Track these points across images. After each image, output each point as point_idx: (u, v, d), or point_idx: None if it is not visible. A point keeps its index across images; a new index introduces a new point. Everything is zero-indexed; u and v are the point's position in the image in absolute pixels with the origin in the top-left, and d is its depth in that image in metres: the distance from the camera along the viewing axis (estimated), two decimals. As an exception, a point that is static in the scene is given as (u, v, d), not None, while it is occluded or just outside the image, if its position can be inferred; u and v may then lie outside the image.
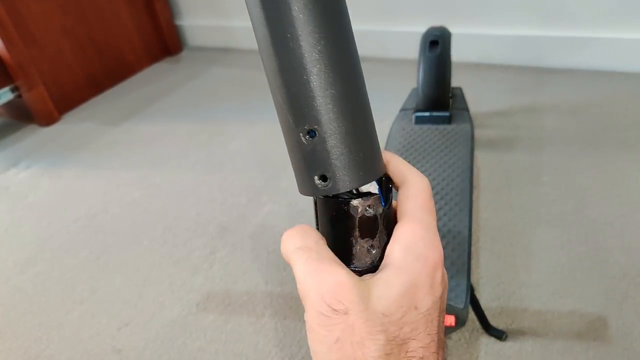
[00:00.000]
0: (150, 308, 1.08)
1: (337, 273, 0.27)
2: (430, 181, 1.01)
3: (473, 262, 1.02)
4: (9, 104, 1.96)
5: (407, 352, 0.27)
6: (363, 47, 2.08)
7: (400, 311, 0.26)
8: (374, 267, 0.31)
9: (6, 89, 1.88)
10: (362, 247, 0.31)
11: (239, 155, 1.53)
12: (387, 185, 0.32)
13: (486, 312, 0.90)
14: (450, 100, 1.24)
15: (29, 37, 1.87)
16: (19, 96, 1.91)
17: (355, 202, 0.30)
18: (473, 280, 0.98)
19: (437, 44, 1.17)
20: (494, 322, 0.88)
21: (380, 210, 0.30)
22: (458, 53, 1.78)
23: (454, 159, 1.05)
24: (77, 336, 1.04)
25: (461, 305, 0.71)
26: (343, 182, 0.29)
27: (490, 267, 1.00)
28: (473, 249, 1.04)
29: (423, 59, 1.18)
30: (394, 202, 0.33)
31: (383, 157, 0.32)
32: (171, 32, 2.39)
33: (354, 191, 0.31)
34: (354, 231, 0.30)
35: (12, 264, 1.27)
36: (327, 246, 0.30)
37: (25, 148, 1.82)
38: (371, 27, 1.95)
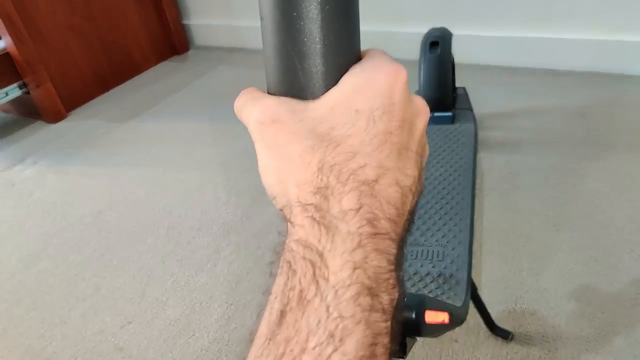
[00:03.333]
0: (154, 306, 1.07)
1: (265, 98, 0.28)
2: (432, 180, 1.00)
3: (478, 265, 1.01)
4: (17, 100, 1.97)
5: (340, 146, 0.25)
6: (365, 48, 2.08)
7: (332, 113, 0.26)
8: None
9: (14, 85, 1.89)
10: None
11: (244, 155, 1.52)
12: None
13: (492, 316, 0.89)
14: (454, 100, 1.23)
15: (38, 34, 1.88)
16: (27, 93, 1.92)
17: None
18: (478, 282, 0.97)
19: (437, 45, 1.16)
20: (499, 324, 0.87)
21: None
22: (464, 54, 1.77)
23: (456, 158, 1.04)
24: (80, 333, 1.04)
25: (459, 304, 0.70)
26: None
27: (496, 270, 0.99)
28: (478, 252, 1.03)
29: (424, 60, 1.17)
30: None
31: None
32: (178, 31, 2.39)
33: None
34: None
35: (16, 260, 1.27)
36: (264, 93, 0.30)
37: (32, 144, 1.82)
38: (373, 28, 1.94)
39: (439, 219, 0.92)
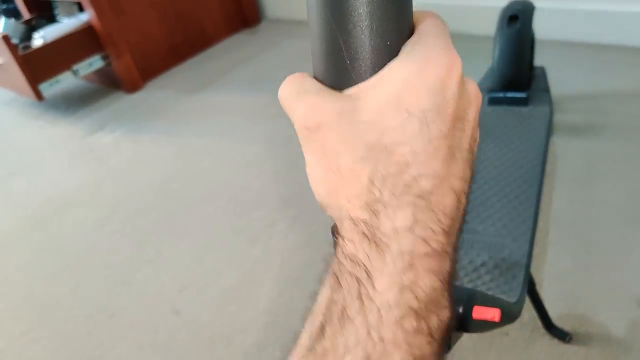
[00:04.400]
0: (209, 274, 1.11)
1: (310, 96, 0.26)
2: (498, 166, 0.95)
3: (540, 257, 0.95)
4: (99, 71, 2.08)
5: (392, 156, 0.23)
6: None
7: (382, 117, 0.24)
8: None
9: (97, 56, 1.99)
10: None
11: (307, 130, 1.52)
12: None
13: (551, 312, 0.84)
14: (530, 81, 1.15)
15: (119, 8, 1.96)
16: (109, 64, 2.02)
17: None
18: (538, 276, 0.91)
19: (516, 19, 1.08)
20: (558, 323, 0.82)
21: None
22: (547, 30, 1.64)
23: (527, 143, 0.97)
24: (142, 294, 1.10)
25: (513, 299, 0.66)
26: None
27: (560, 264, 0.93)
28: (542, 243, 0.97)
29: (500, 35, 1.09)
30: None
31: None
32: (250, 3, 2.41)
33: None
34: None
35: (91, 221, 1.36)
36: (311, 78, 0.28)
37: (111, 113, 1.93)
38: (449, 1, 1.85)
39: (501, 208, 0.87)
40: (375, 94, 0.24)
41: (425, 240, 0.23)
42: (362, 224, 0.23)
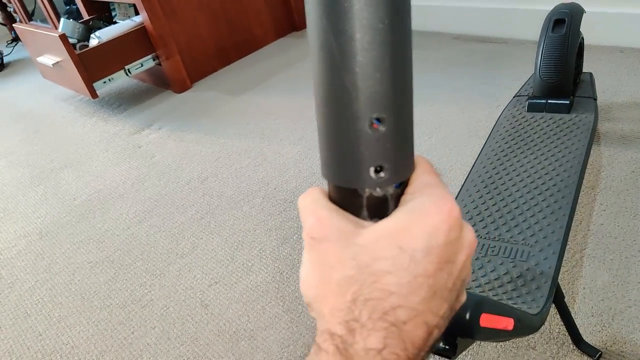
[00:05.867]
0: (239, 270, 1.13)
1: (320, 211, 0.29)
2: (532, 173, 0.92)
3: (576, 270, 0.90)
4: (150, 71, 2.17)
5: (378, 283, 0.26)
6: (484, 27, 1.93)
7: (376, 246, 0.26)
8: None
9: (149, 57, 2.08)
10: None
11: (344, 132, 1.52)
12: None
13: (583, 328, 0.80)
14: (576, 87, 1.10)
15: (171, 10, 2.03)
16: (159, 64, 2.11)
17: None
18: (571, 289, 0.87)
19: (563, 23, 1.04)
20: (590, 339, 0.78)
21: (391, 190, 0.29)
22: (598, 35, 1.57)
23: (565, 151, 0.93)
24: (175, 286, 1.14)
25: (534, 311, 0.64)
26: (396, 174, 0.28)
27: (597, 278, 0.88)
28: (578, 255, 0.93)
29: (544, 40, 1.06)
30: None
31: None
32: (299, 8, 2.44)
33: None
34: (362, 210, 0.29)
35: (133, 214, 1.42)
36: (325, 198, 0.31)
37: (159, 112, 2.00)
38: (495, 5, 1.80)
39: (531, 216, 0.84)
40: (375, 226, 0.27)
41: None
42: (337, 338, 0.26)
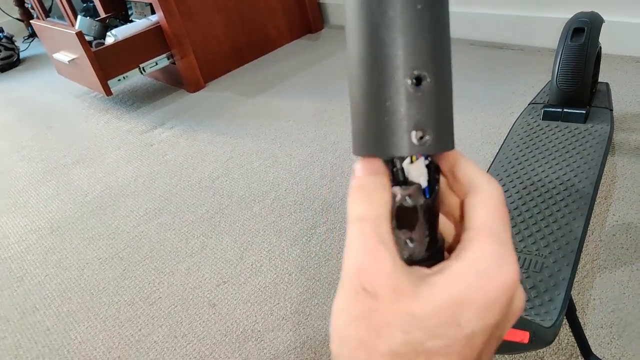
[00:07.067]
0: (248, 271, 1.13)
1: (381, 255, 0.24)
2: (547, 183, 0.91)
3: (587, 281, 0.89)
4: (164, 70, 2.18)
5: None
6: (500, 33, 1.91)
7: (434, 321, 0.23)
8: (423, 260, 0.28)
9: (163, 55, 2.09)
10: (398, 238, 0.28)
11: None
12: (435, 175, 0.29)
13: (592, 340, 0.79)
14: (592, 97, 1.09)
15: (187, 10, 2.05)
16: (173, 63, 2.12)
17: (393, 189, 0.27)
18: (582, 300, 0.86)
19: (582, 32, 1.03)
20: (599, 352, 0.77)
21: (422, 201, 0.27)
22: (612, 44, 1.55)
23: (581, 162, 0.92)
24: (183, 285, 1.14)
25: (548, 324, 0.63)
26: (439, 141, 0.25)
27: (608, 290, 0.87)
28: (590, 266, 0.92)
29: (562, 48, 1.05)
30: (450, 199, 0.30)
31: (451, 156, 0.28)
32: (314, 9, 2.44)
33: (400, 177, 0.28)
34: (390, 220, 0.27)
35: (143, 211, 1.43)
36: (387, 222, 0.26)
37: (172, 111, 2.01)
38: (512, 12, 1.79)
39: (545, 227, 0.83)
40: (435, 294, 0.24)
41: None
42: None
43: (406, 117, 0.25)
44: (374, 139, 0.26)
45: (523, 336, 0.54)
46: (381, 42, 0.25)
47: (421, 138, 0.25)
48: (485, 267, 0.24)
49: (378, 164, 0.27)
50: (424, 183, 0.28)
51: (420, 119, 0.25)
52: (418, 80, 0.25)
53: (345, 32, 0.27)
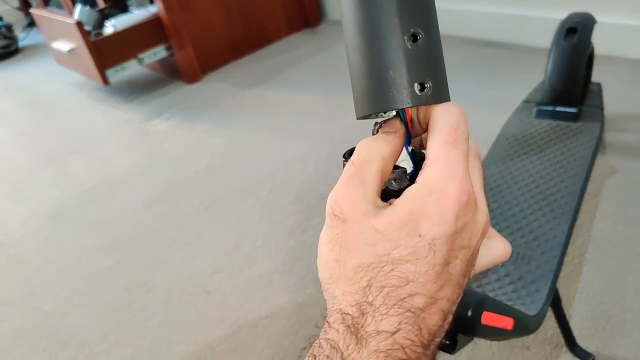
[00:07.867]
0: (243, 260, 1.15)
1: (353, 187, 0.28)
2: (537, 179, 0.93)
3: (574, 274, 0.92)
4: (162, 61, 2.19)
5: (395, 271, 0.26)
6: (495, 32, 1.92)
7: (397, 233, 0.26)
8: None
9: (162, 46, 2.10)
10: None
11: (352, 130, 1.54)
12: (420, 161, 0.31)
13: (577, 331, 0.82)
14: (584, 96, 1.11)
15: (185, 2, 2.05)
16: (171, 55, 2.13)
17: None
18: (568, 293, 0.89)
19: (574, 32, 1.05)
20: (583, 343, 0.80)
21: (406, 184, 0.29)
22: (605, 44, 1.57)
23: (571, 159, 0.94)
24: (178, 273, 1.16)
25: (532, 313, 0.65)
26: (439, 93, 0.28)
27: (594, 283, 0.90)
28: (578, 260, 0.94)
29: (555, 48, 1.07)
30: None
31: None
32: (312, 4, 2.45)
33: None
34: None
35: (140, 201, 1.44)
36: (375, 166, 0.29)
37: (170, 101, 2.02)
38: (507, 11, 1.81)
39: (534, 221, 0.85)
40: (395, 209, 0.27)
41: (402, 347, 0.25)
42: (349, 318, 0.26)
43: (407, 71, 0.28)
44: (379, 96, 0.29)
45: (507, 322, 0.57)
46: (379, 8, 0.28)
47: (422, 90, 0.28)
48: (436, 185, 0.27)
49: (398, 123, 0.30)
50: (409, 168, 0.30)
51: (419, 72, 0.28)
52: (414, 37, 0.28)
53: (341, 11, 0.30)
